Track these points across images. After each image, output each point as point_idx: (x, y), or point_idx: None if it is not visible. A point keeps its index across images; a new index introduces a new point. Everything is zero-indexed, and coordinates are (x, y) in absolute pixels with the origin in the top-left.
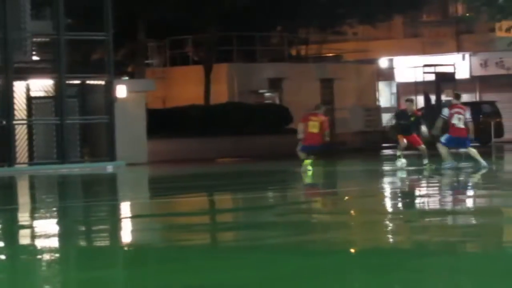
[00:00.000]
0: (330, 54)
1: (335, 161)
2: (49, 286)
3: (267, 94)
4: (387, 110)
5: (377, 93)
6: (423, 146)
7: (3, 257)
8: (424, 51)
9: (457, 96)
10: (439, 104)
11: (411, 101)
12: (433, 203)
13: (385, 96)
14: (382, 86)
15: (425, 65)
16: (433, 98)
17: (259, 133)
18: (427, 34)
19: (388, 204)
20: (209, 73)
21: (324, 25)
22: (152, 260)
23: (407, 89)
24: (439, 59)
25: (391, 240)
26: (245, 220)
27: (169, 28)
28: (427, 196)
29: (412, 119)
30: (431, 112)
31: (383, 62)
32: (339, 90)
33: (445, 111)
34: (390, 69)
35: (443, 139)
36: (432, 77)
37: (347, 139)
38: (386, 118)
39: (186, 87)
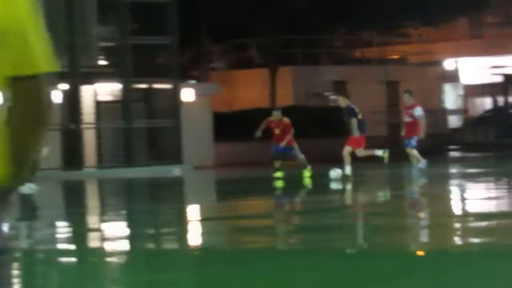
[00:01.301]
0: (394, 57)
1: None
2: None
3: (331, 97)
4: (453, 112)
5: (442, 95)
6: None
7: (73, 259)
8: (488, 52)
9: None
10: (507, 106)
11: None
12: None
13: (451, 98)
14: (447, 88)
15: (493, 67)
16: (500, 100)
17: (323, 136)
18: (491, 35)
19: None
20: (274, 76)
21: (388, 27)
22: (219, 262)
23: (474, 91)
24: (504, 60)
25: (458, 242)
26: (311, 222)
27: (233, 32)
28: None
29: None
30: (499, 113)
31: (448, 64)
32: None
33: None
34: (455, 71)
35: None
36: (499, 79)
37: None
38: (453, 120)
39: (250, 90)
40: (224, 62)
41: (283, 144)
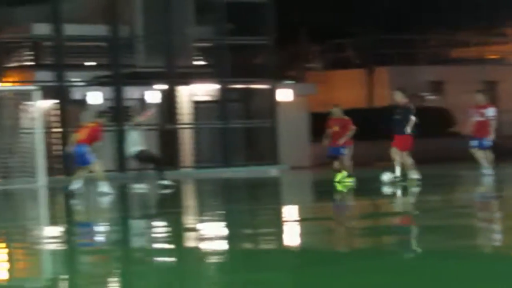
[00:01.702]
0: (492, 57)
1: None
2: None
3: (428, 97)
4: None
5: None
6: None
7: (171, 259)
8: None
9: None
10: None
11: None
12: None
13: None
14: None
15: None
16: None
17: (421, 136)
18: None
19: None
20: (371, 76)
21: (486, 26)
22: (315, 263)
23: None
24: None
25: None
26: (408, 224)
27: (330, 32)
28: None
29: None
30: None
31: None
32: (503, 92)
33: None
34: None
35: None
36: None
37: None
38: None
39: (347, 90)
40: (321, 63)
41: (341, 141)
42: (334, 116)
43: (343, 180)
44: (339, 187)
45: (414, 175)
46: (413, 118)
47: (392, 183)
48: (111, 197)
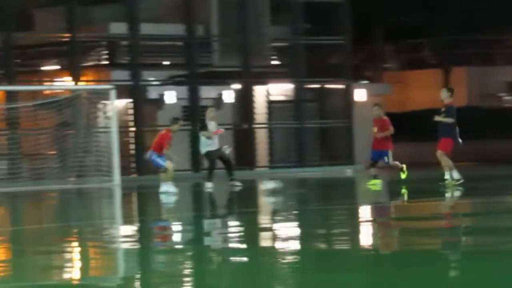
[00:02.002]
0: None
1: None
2: None
3: (506, 98)
4: None
5: None
6: None
7: (245, 258)
8: None
9: None
10: None
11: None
12: None
13: None
14: None
15: None
16: None
17: (500, 137)
18: None
19: None
20: (448, 77)
21: None
22: (388, 263)
23: None
24: None
25: None
26: (482, 225)
27: (407, 32)
28: None
29: None
30: None
31: None
32: None
33: None
34: None
35: None
36: None
37: None
38: None
39: (423, 90)
40: (397, 62)
41: (379, 135)
42: (374, 117)
43: (372, 184)
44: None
45: (456, 175)
46: (449, 120)
47: (453, 185)
48: (182, 196)
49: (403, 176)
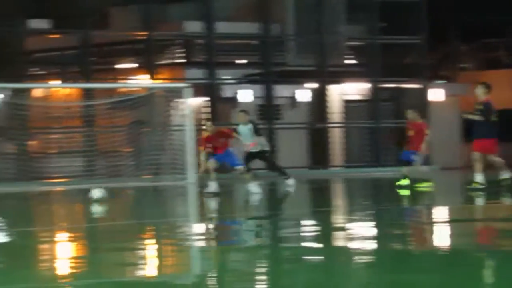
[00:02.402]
0: None
1: None
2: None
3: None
4: None
5: None
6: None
7: (319, 258)
8: None
9: None
10: None
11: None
12: None
13: None
14: None
15: None
16: None
17: None
18: None
19: None
20: None
21: None
22: (463, 264)
23: None
24: None
25: None
26: None
27: (483, 31)
28: None
29: None
30: None
31: None
32: None
33: None
34: None
35: None
36: None
37: None
38: None
39: (500, 90)
40: (473, 62)
41: (420, 148)
42: (409, 120)
43: (403, 184)
44: (403, 191)
45: (480, 178)
46: (479, 117)
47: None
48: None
49: (401, 181)
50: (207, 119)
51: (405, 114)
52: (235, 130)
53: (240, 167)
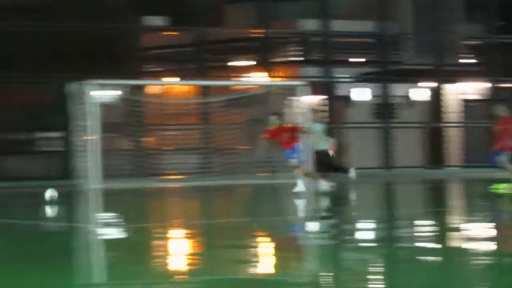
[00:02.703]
0: None
1: None
2: None
3: None
4: None
5: None
6: None
7: (434, 258)
8: None
9: None
10: None
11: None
12: None
13: None
14: None
15: None
16: None
17: None
18: None
19: None
20: None
21: None
22: None
23: None
24: None
25: None
26: None
27: None
28: None
29: None
30: None
31: None
32: None
33: None
34: None
35: None
36: None
37: None
38: None
39: None
40: None
41: (498, 146)
42: (498, 117)
43: (503, 188)
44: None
45: None
46: None
47: None
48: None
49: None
50: (273, 113)
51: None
52: (306, 128)
53: (293, 161)
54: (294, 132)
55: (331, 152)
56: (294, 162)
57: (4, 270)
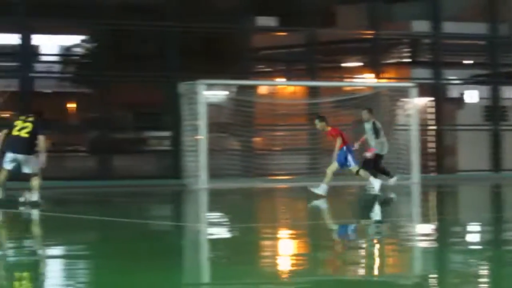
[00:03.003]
0: None
1: None
2: None
3: None
4: None
5: None
6: None
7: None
8: None
9: None
10: None
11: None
12: None
13: None
14: None
15: None
16: None
17: None
18: None
19: None
20: None
21: None
22: None
23: None
24: None
25: None
26: None
27: None
28: None
29: None
30: None
31: None
32: None
33: None
34: None
35: None
36: None
37: None
38: None
39: None
40: None
41: None
42: None
43: None
44: None
45: None
46: None
47: None
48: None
49: None
50: (317, 116)
51: None
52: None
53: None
54: (333, 136)
55: (368, 154)
56: (354, 167)
57: (119, 269)
